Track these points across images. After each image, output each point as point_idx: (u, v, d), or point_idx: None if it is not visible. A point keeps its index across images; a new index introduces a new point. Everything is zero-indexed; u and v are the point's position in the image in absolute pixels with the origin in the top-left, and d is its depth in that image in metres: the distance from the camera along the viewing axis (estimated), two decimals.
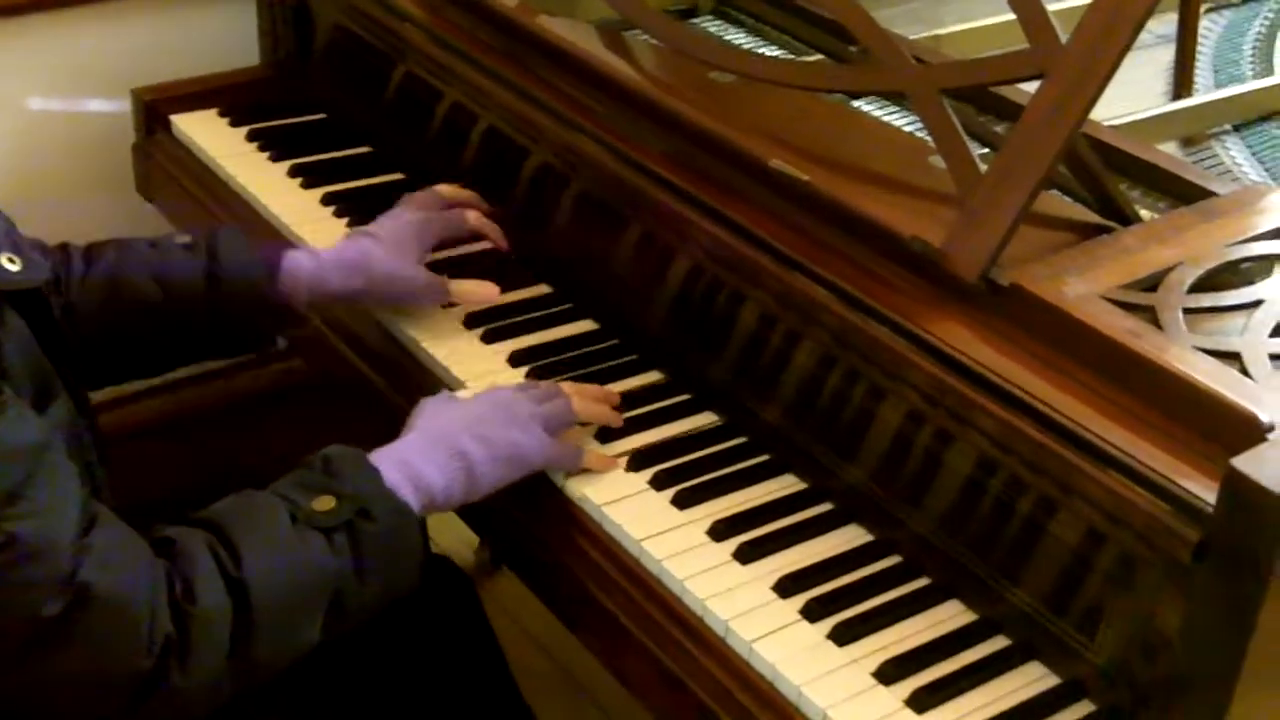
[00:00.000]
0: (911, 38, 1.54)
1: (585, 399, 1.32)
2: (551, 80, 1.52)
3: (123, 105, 1.91)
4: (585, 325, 1.50)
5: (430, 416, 1.27)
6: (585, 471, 1.30)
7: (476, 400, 1.30)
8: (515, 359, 1.44)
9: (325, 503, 1.14)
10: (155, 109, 1.87)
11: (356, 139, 1.80)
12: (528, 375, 1.42)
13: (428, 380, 1.43)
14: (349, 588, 1.14)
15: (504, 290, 1.51)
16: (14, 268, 1.12)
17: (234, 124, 1.84)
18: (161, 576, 1.06)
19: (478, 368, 1.43)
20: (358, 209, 1.66)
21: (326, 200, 1.68)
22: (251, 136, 1.81)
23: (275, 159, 1.77)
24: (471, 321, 1.49)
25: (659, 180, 1.38)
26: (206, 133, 1.82)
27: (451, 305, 1.49)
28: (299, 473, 1.17)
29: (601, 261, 1.49)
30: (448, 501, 1.22)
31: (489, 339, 1.47)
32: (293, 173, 1.74)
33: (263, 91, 1.91)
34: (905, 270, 1.23)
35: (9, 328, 1.10)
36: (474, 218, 1.53)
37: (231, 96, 1.88)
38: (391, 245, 1.45)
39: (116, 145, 1.92)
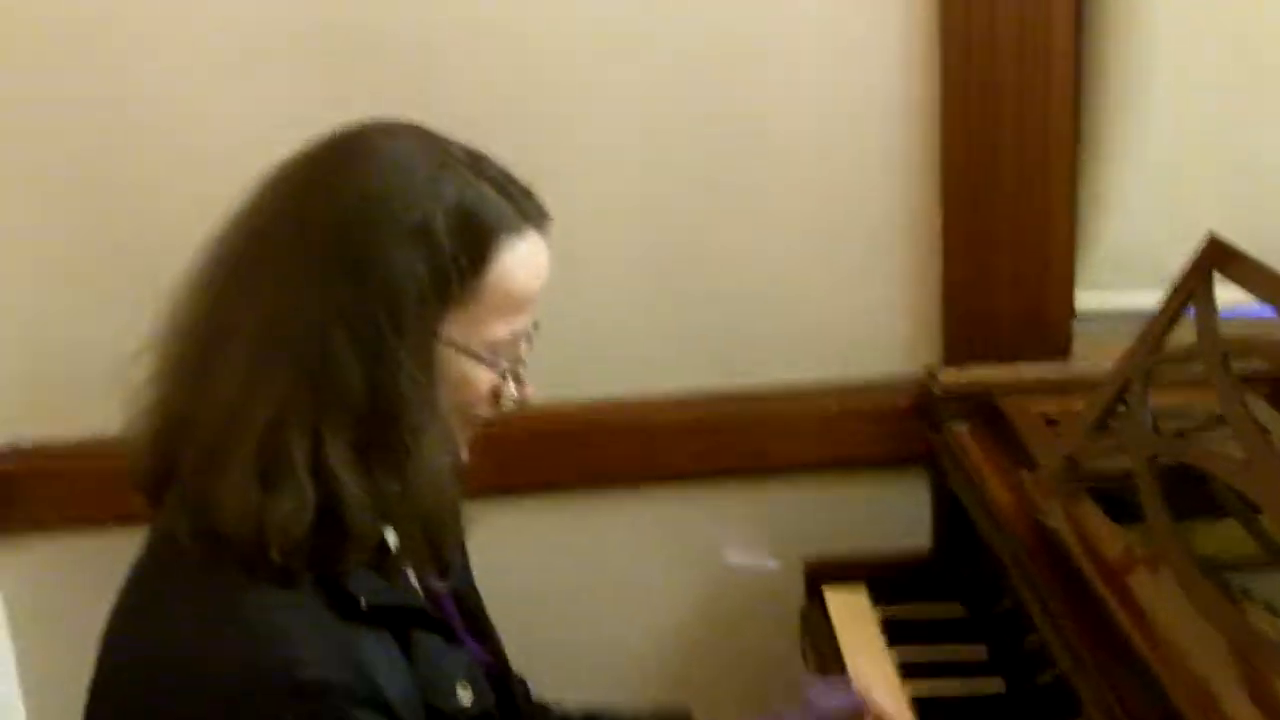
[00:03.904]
0: None
1: None
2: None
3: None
4: None
5: None
6: None
7: None
8: None
9: None
10: (816, 578, 1.98)
11: (979, 638, 1.79)
12: None
13: None
14: None
15: None
16: (464, 693, 1.30)
17: (875, 602, 1.90)
18: None
19: None
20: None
21: (912, 703, 1.69)
22: (884, 620, 1.86)
23: (891, 644, 1.80)
24: None
25: None
26: (845, 608, 1.90)
27: None
28: None
29: None
30: None
31: None
32: (901, 665, 1.76)
33: (917, 575, 1.95)
34: None
35: None
36: None
37: (884, 575, 1.95)
38: None
39: (791, 605, 2.04)
